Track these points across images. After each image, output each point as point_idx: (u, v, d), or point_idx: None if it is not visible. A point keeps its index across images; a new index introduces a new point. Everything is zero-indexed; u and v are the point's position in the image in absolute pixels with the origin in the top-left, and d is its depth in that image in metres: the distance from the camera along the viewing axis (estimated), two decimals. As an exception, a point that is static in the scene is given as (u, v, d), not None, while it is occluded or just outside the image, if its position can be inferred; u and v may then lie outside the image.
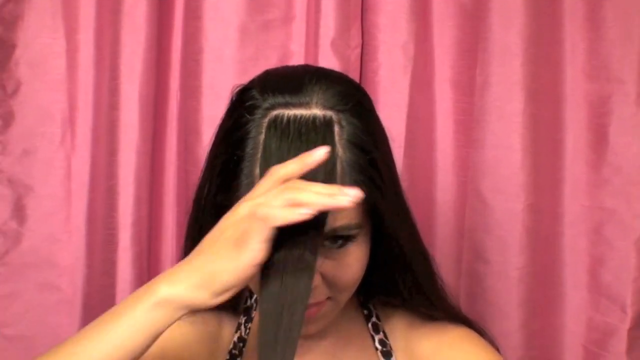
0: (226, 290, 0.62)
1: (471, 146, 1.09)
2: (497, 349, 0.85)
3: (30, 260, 1.10)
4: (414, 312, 0.83)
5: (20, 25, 1.11)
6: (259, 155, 0.69)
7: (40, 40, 1.11)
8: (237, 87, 0.77)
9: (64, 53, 1.11)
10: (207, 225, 0.67)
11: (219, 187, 0.73)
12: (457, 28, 1.10)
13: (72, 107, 1.11)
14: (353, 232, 0.70)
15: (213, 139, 0.77)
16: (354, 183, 0.68)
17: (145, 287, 0.65)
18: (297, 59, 1.12)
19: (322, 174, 0.65)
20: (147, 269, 1.13)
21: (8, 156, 1.11)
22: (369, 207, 0.70)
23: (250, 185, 0.67)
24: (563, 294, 1.09)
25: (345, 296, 0.75)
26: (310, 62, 1.09)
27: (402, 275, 0.80)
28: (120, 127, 1.10)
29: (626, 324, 1.04)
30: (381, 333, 0.83)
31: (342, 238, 0.70)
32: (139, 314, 0.63)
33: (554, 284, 1.09)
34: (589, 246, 1.08)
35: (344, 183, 0.68)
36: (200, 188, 0.77)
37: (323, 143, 0.65)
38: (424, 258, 0.81)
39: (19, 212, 1.11)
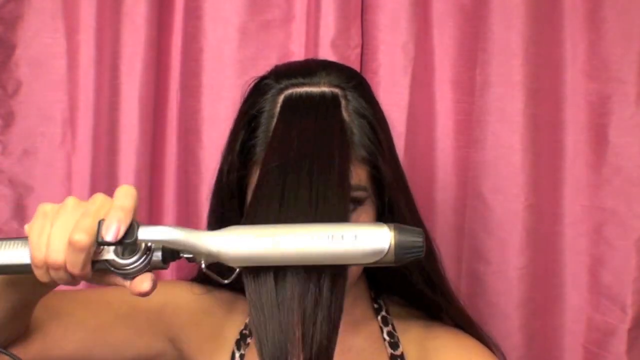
0: None
1: (471, 146, 1.09)
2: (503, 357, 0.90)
3: (30, 260, 1.10)
4: (426, 314, 0.87)
5: (20, 25, 1.11)
6: (272, 126, 0.76)
7: (40, 41, 1.11)
8: (250, 81, 0.83)
9: (65, 53, 1.11)
10: (226, 199, 0.78)
11: (237, 165, 0.79)
12: (457, 28, 1.10)
13: (72, 107, 1.11)
14: (362, 194, 0.77)
15: (232, 125, 0.83)
16: (359, 143, 0.76)
17: None
18: (296, 59, 1.12)
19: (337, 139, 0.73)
20: (147, 269, 1.13)
21: (8, 156, 1.11)
22: (373, 172, 0.77)
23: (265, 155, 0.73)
24: (563, 294, 1.09)
25: (354, 272, 0.79)
26: (311, 62, 1.09)
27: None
28: (121, 128, 1.10)
29: (626, 324, 1.04)
30: (390, 326, 0.86)
31: (352, 201, 0.76)
32: None
33: (554, 284, 1.09)
34: (589, 246, 1.07)
35: (351, 141, 0.76)
36: (220, 170, 0.84)
37: (330, 113, 0.75)
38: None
39: (19, 212, 1.11)
